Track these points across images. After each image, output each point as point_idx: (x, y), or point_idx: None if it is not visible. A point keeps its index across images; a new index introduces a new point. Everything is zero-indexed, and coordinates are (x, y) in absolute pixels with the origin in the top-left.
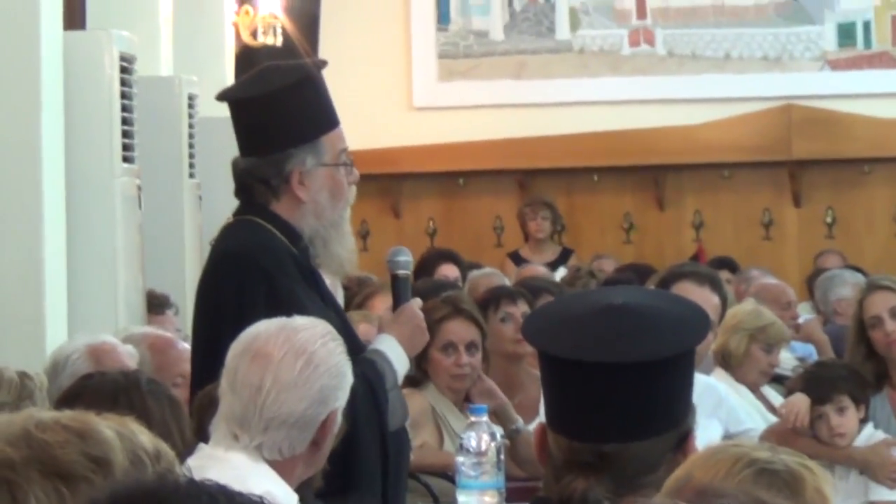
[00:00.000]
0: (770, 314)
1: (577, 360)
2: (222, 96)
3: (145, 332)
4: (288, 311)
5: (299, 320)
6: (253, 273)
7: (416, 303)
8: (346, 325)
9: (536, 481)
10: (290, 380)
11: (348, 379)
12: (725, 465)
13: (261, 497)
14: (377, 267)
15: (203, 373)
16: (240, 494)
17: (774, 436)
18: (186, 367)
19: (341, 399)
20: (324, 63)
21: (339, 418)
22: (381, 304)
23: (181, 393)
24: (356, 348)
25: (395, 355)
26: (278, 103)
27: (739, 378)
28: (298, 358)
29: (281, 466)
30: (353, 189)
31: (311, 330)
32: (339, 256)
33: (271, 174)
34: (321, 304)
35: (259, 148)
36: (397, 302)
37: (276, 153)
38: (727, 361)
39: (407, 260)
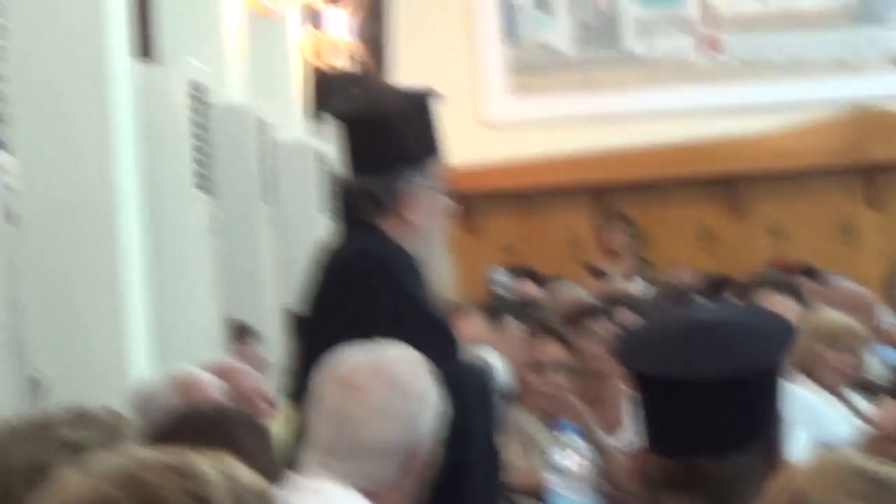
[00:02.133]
0: (841, 316)
1: (668, 379)
2: (337, 114)
3: (217, 363)
4: (417, 314)
5: (388, 347)
6: (381, 277)
7: (516, 322)
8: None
9: (628, 499)
10: (379, 407)
11: (438, 406)
12: (834, 476)
13: None
14: (453, 286)
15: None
16: None
17: (869, 446)
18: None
19: (428, 426)
20: (436, 93)
21: (432, 446)
22: (464, 325)
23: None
24: (464, 359)
25: (496, 366)
26: (393, 123)
27: (822, 384)
28: (387, 385)
29: (374, 497)
30: (450, 217)
31: (400, 357)
32: (437, 281)
33: (381, 192)
34: (440, 309)
35: (370, 166)
36: (494, 319)
37: (388, 172)
38: (809, 368)
39: (507, 281)
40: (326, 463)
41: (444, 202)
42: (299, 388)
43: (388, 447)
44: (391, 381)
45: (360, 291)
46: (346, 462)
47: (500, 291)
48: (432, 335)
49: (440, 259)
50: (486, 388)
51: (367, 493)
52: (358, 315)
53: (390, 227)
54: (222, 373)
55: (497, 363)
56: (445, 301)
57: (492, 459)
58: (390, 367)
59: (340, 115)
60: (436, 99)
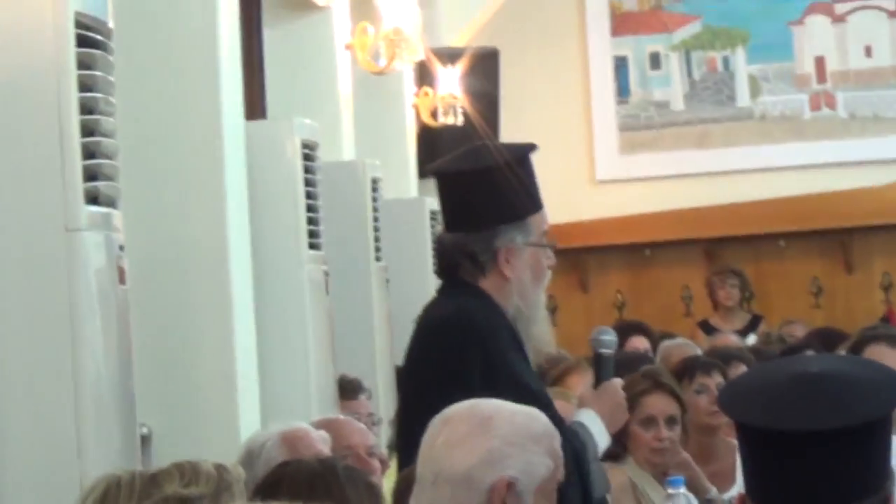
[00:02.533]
0: None
1: (774, 430)
2: (434, 170)
3: (327, 418)
4: (503, 376)
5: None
6: (470, 337)
7: (618, 382)
8: (549, 400)
9: None
10: (462, 435)
11: (529, 452)
12: None
13: None
14: (566, 342)
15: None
16: None
17: None
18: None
19: (516, 469)
20: (534, 147)
21: (516, 492)
22: (577, 381)
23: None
24: (556, 422)
25: (597, 429)
26: (492, 180)
27: None
28: (475, 419)
29: None
30: (550, 272)
31: (503, 403)
32: (539, 338)
33: (480, 249)
34: (533, 372)
35: (468, 223)
36: (599, 379)
37: (486, 229)
38: None
39: (611, 339)
40: (417, 496)
41: (546, 259)
42: (397, 441)
43: (463, 477)
44: (480, 417)
45: (447, 355)
46: (430, 492)
47: (605, 350)
48: (521, 400)
49: (542, 316)
50: (579, 454)
51: None
52: (444, 380)
53: (489, 286)
54: (331, 428)
55: (595, 424)
56: (552, 357)
57: None
58: (486, 407)
59: (439, 170)
60: (535, 153)
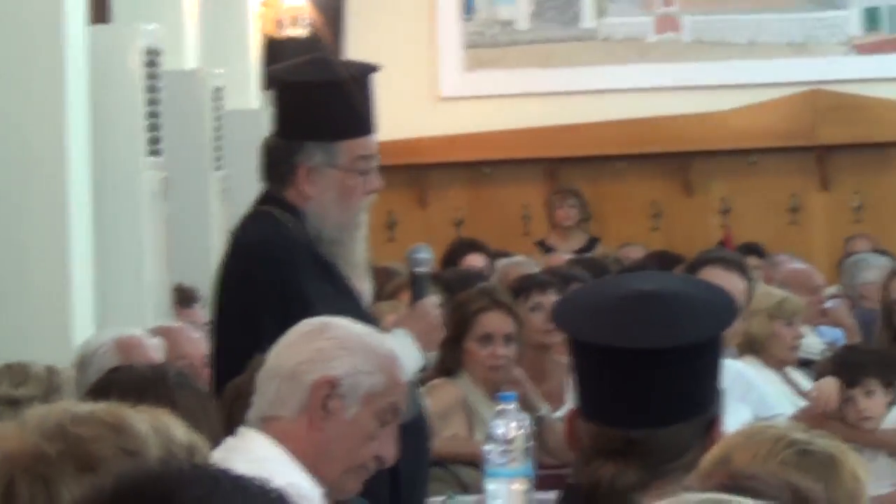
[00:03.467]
0: (780, 291)
1: (606, 347)
2: (269, 74)
3: (163, 325)
4: (296, 305)
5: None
6: (267, 265)
7: (433, 300)
8: (368, 317)
9: (565, 469)
10: (298, 335)
11: (359, 360)
12: (766, 446)
13: (267, 482)
14: (403, 258)
15: (220, 362)
16: (243, 477)
17: (804, 419)
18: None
19: (341, 371)
20: (374, 68)
21: (338, 393)
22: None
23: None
24: None
25: (407, 351)
26: (310, 95)
27: (768, 361)
28: (318, 322)
29: (269, 424)
30: (370, 197)
31: (346, 321)
32: (349, 260)
33: (282, 159)
34: (333, 296)
35: (282, 131)
36: (415, 298)
37: (292, 141)
38: (753, 346)
39: (426, 258)
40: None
41: (356, 185)
42: (212, 353)
43: (288, 373)
44: (321, 322)
45: (246, 286)
46: (262, 387)
47: (420, 269)
48: None
49: (355, 242)
50: None
51: (263, 420)
52: (244, 309)
53: (294, 198)
54: (168, 336)
55: (406, 345)
56: (388, 272)
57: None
58: (332, 318)
59: (272, 74)
60: (379, 70)
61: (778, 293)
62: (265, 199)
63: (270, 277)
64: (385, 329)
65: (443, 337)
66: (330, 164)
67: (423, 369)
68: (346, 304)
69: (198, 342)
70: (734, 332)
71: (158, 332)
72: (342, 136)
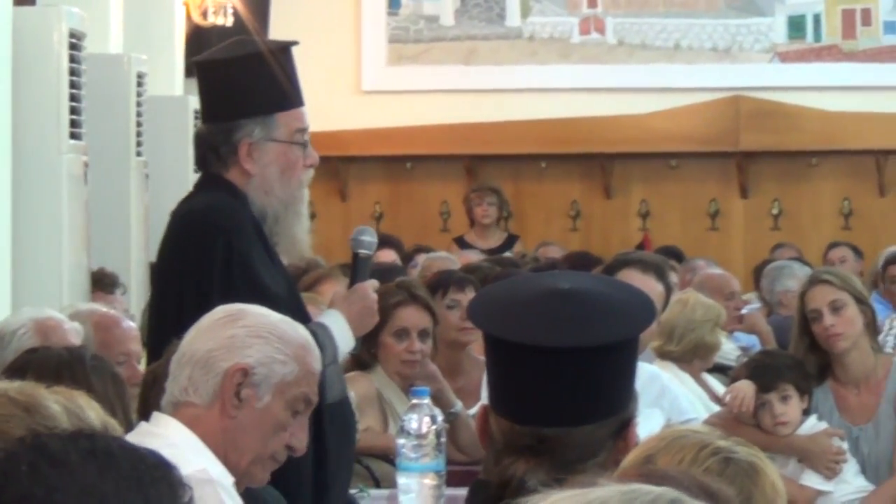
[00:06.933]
0: (708, 300)
1: (520, 344)
2: (194, 60)
3: (91, 308)
4: (241, 275)
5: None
6: (212, 233)
7: (372, 284)
8: (296, 295)
9: (477, 465)
10: (212, 322)
11: (272, 348)
12: (690, 452)
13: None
14: (322, 250)
15: (162, 338)
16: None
17: (718, 423)
18: (131, 345)
19: (254, 359)
20: (294, 43)
21: (250, 382)
22: (330, 288)
23: (125, 371)
24: (303, 319)
25: (340, 332)
26: (237, 72)
27: (690, 368)
28: (232, 310)
29: (180, 409)
30: (310, 171)
31: (261, 309)
32: (292, 237)
33: (221, 142)
34: (273, 269)
35: (214, 115)
36: (354, 280)
37: (228, 121)
38: (699, 354)
39: (371, 241)
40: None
41: (301, 158)
42: (147, 337)
43: (201, 359)
44: (235, 310)
45: (188, 250)
46: (174, 373)
47: (363, 251)
48: (258, 301)
49: (299, 216)
50: None
51: (175, 405)
52: (184, 275)
53: (235, 178)
54: (106, 330)
55: (339, 327)
56: (308, 262)
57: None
58: (246, 306)
59: (197, 60)
60: (303, 60)
61: (711, 302)
62: (205, 183)
63: (216, 243)
64: (319, 309)
65: (376, 322)
66: (270, 137)
67: (355, 350)
68: (279, 279)
69: (137, 340)
70: (650, 333)
71: (97, 323)
72: (277, 108)
